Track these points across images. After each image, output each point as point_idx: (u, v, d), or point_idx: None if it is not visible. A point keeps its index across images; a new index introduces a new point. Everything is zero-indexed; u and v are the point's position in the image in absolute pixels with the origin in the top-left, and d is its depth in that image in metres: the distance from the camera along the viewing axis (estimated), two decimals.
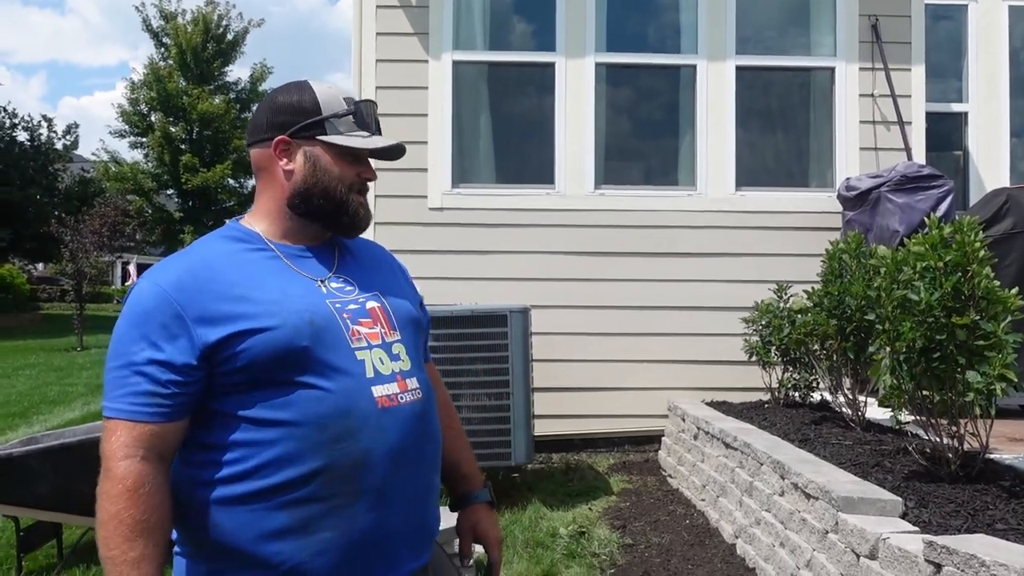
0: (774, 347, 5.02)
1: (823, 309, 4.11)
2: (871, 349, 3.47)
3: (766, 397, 5.49)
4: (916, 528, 2.80)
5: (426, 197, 6.07)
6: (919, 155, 6.11)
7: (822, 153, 6.38)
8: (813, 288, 4.43)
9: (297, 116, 1.61)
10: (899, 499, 2.98)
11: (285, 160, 1.61)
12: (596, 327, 6.04)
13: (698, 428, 5.09)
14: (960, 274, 3.12)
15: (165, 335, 1.44)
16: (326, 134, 1.61)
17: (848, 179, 5.84)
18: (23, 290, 25.06)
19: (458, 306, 5.09)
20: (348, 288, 1.61)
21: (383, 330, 1.59)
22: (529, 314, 5.04)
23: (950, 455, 3.35)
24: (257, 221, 1.64)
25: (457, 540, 1.85)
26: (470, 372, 4.85)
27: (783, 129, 6.58)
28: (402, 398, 1.55)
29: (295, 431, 1.44)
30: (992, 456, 3.72)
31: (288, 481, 1.43)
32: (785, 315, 4.65)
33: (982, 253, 3.15)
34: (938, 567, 2.42)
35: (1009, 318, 3.06)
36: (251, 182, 24.99)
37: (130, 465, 1.40)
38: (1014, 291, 3.19)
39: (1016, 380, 2.97)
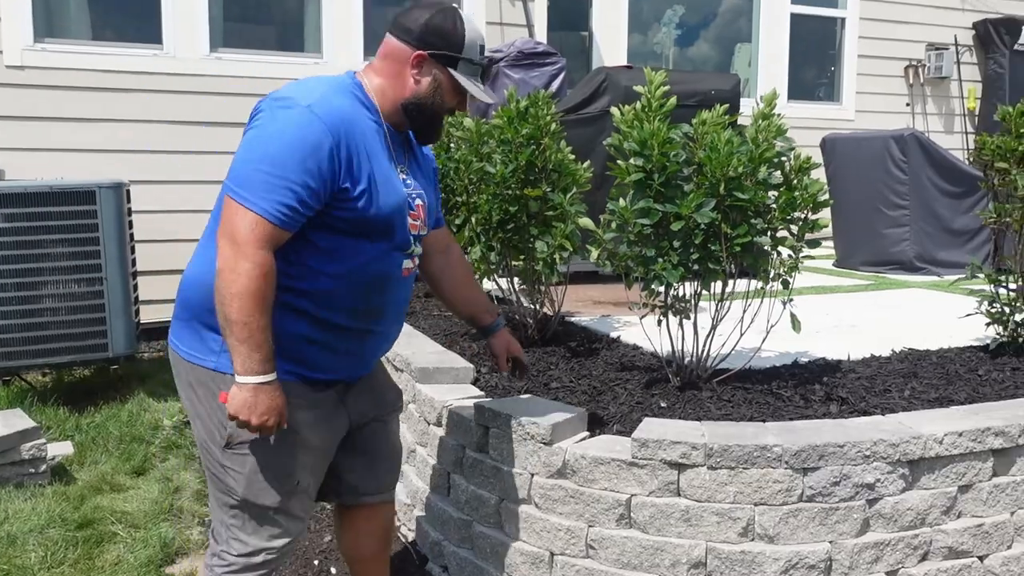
0: None
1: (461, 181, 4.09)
2: (457, 222, 3.51)
3: None
4: (482, 393, 2.92)
5: (1, 52, 5.15)
6: (541, 32, 6.29)
7: None
8: None
9: (444, 44, 1.93)
10: (471, 367, 3.09)
11: (417, 71, 1.94)
12: (209, 204, 5.61)
13: None
14: (534, 147, 3.21)
15: (320, 169, 1.77)
16: (457, 70, 1.95)
17: None
18: None
19: (37, 182, 4.43)
20: (409, 182, 2.02)
21: (420, 223, 2.04)
22: (125, 190, 4.53)
23: (529, 320, 3.54)
24: (376, 94, 1.96)
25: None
26: (54, 256, 4.28)
27: None
28: (409, 271, 2.05)
29: (351, 277, 1.90)
30: (572, 319, 4.02)
31: (335, 308, 1.92)
32: None
33: (554, 127, 3.25)
34: (486, 429, 2.53)
35: (575, 189, 3.23)
36: None
37: (266, 255, 1.75)
38: (585, 164, 3.37)
39: (574, 248, 3.16)
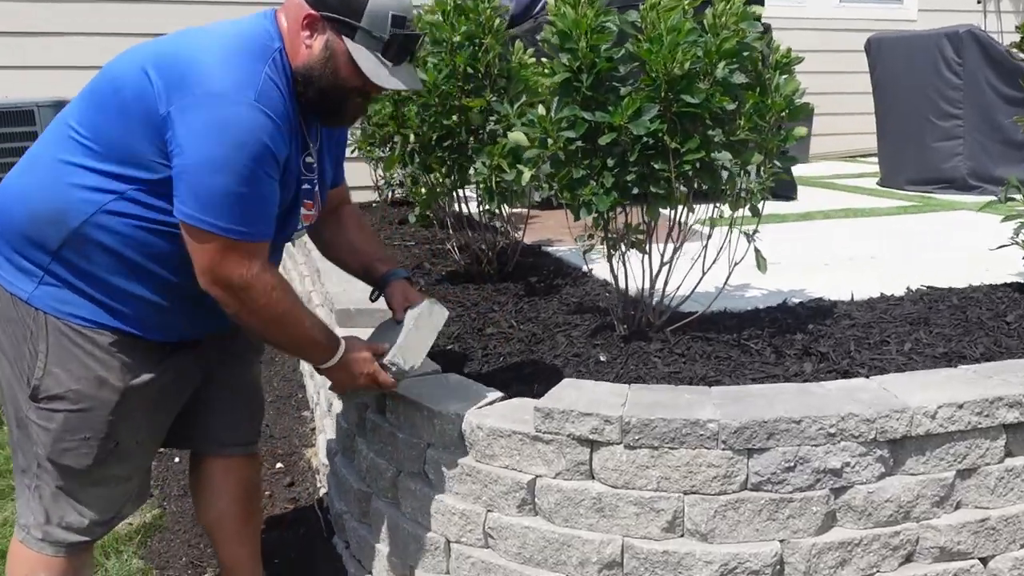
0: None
1: None
2: (384, 149, 3.03)
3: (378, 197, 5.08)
4: None
5: None
6: None
7: None
8: None
9: (341, 5, 1.59)
10: None
11: (308, 34, 1.61)
12: None
13: None
14: (474, 47, 2.70)
15: (277, 167, 1.56)
16: (354, 41, 1.60)
17: None
18: None
19: None
20: (314, 165, 1.77)
21: (310, 213, 1.80)
22: None
23: (483, 248, 3.08)
24: (289, 54, 1.63)
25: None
26: None
27: None
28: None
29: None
30: (548, 248, 3.54)
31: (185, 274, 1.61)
32: None
33: (497, 23, 2.73)
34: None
35: (524, 98, 2.71)
36: None
37: (267, 275, 1.60)
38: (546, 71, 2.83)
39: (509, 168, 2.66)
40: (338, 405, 2.55)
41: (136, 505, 1.89)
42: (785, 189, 4.71)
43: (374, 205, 4.95)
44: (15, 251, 1.64)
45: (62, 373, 1.64)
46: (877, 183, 5.65)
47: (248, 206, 1.53)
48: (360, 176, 5.29)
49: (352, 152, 4.72)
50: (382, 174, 4.75)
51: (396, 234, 3.90)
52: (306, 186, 1.74)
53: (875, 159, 5.96)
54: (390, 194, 4.88)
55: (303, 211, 1.77)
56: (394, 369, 1.86)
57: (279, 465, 2.88)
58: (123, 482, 1.78)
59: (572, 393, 1.86)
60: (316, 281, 3.40)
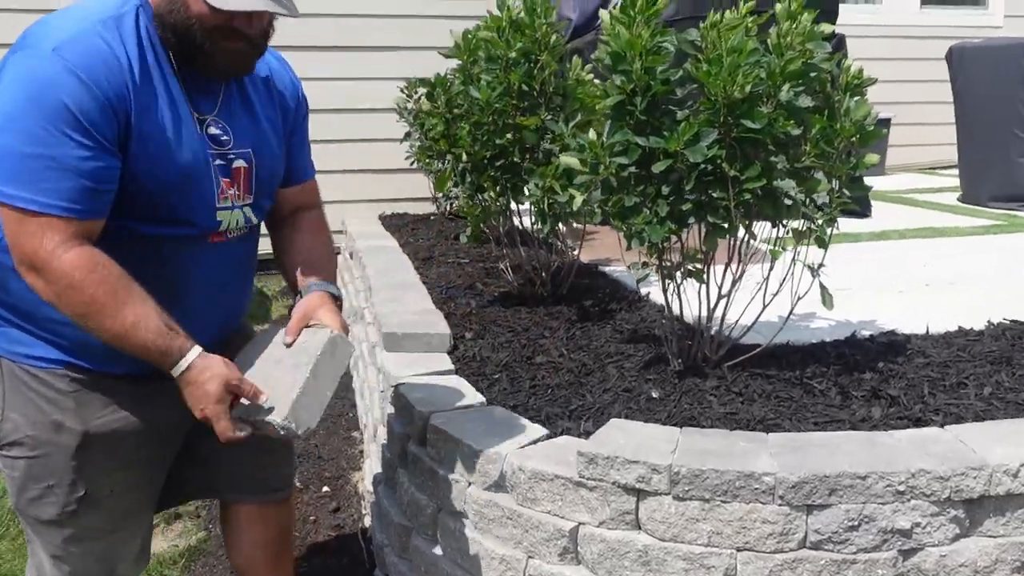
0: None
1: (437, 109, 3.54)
2: (442, 163, 2.97)
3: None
4: (451, 367, 2.41)
5: None
6: None
7: None
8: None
9: None
10: (447, 333, 2.58)
11: None
12: None
13: (353, 246, 4.59)
14: (529, 65, 2.61)
15: (83, 131, 1.34)
16: None
17: None
18: None
19: None
20: (224, 138, 1.53)
21: (238, 192, 1.56)
22: None
23: (543, 273, 2.99)
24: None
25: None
26: None
27: None
28: (230, 235, 1.57)
29: (125, 253, 1.41)
30: (606, 268, 3.44)
31: None
32: (413, 117, 4.09)
33: (554, 39, 2.64)
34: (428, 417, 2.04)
35: (580, 117, 2.61)
36: None
37: (76, 253, 1.36)
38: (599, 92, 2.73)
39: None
40: (383, 433, 2.49)
41: (137, 568, 1.74)
42: (859, 205, 4.50)
43: (432, 218, 4.90)
44: None
45: (19, 418, 1.53)
46: (958, 199, 5.38)
47: (37, 171, 1.32)
48: (419, 188, 5.28)
49: (411, 164, 4.71)
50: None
51: (450, 250, 3.84)
52: (219, 162, 1.52)
53: (955, 172, 5.68)
54: (448, 207, 4.83)
55: (228, 189, 1.54)
56: (283, 432, 1.49)
57: (325, 489, 2.84)
58: (106, 535, 1.63)
59: (618, 436, 1.76)
60: (368, 299, 3.36)
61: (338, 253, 5.31)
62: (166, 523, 2.54)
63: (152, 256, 1.48)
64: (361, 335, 3.44)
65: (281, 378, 1.50)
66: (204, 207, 1.50)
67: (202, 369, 1.43)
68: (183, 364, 1.42)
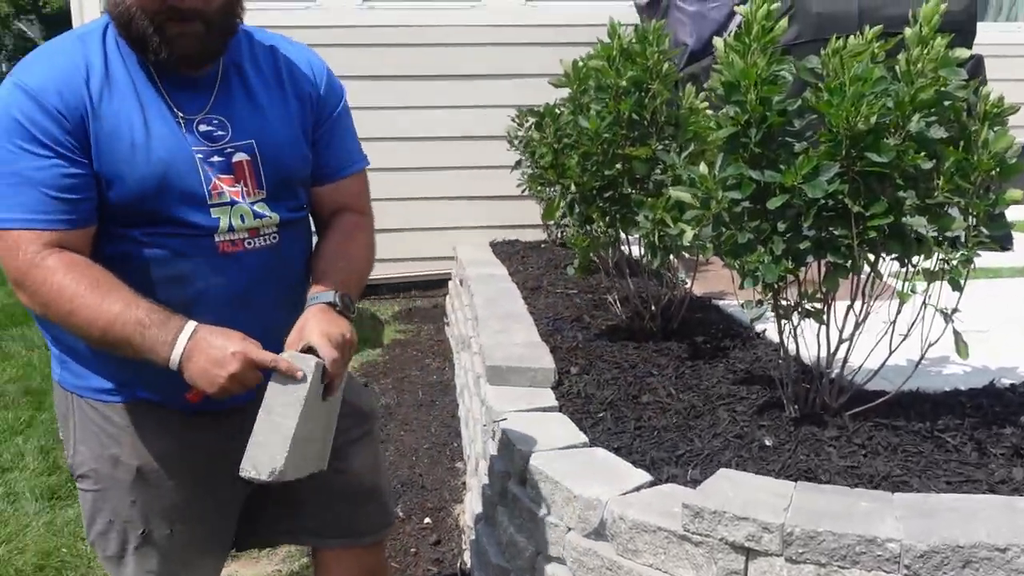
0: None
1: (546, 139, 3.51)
2: (552, 190, 2.92)
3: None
4: (555, 404, 2.35)
5: None
6: None
7: None
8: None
9: None
10: (552, 367, 2.52)
11: None
12: (370, 162, 5.37)
13: (463, 273, 4.60)
14: (640, 94, 2.54)
15: (38, 143, 1.34)
16: None
17: None
18: None
19: None
20: (219, 133, 1.45)
21: (245, 189, 1.47)
22: None
23: (653, 307, 2.90)
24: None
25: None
26: None
27: None
28: (249, 243, 1.48)
29: (133, 269, 1.40)
30: (719, 301, 3.31)
31: None
32: (523, 146, 4.07)
33: (666, 67, 2.56)
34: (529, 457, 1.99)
35: (693, 147, 2.52)
36: None
37: (50, 262, 1.35)
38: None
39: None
40: (484, 468, 2.45)
41: None
42: (1000, 237, 4.19)
43: (542, 246, 4.87)
44: (46, 329, 1.55)
45: (86, 451, 1.54)
46: None
47: (5, 189, 1.34)
48: (530, 215, 5.25)
49: (522, 191, 4.70)
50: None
51: (559, 280, 3.79)
52: (215, 158, 1.44)
53: None
54: (559, 235, 4.79)
55: (225, 188, 1.45)
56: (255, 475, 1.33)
57: (427, 520, 2.82)
58: None
59: (727, 488, 1.65)
60: (475, 328, 3.35)
61: (448, 279, 5.35)
62: (271, 547, 2.56)
63: (160, 269, 1.43)
64: (468, 364, 3.42)
65: (270, 436, 1.34)
66: (192, 206, 1.42)
67: (213, 328, 1.36)
68: (188, 327, 1.34)
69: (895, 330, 1.99)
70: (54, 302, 1.33)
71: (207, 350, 1.33)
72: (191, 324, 1.36)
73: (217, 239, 1.45)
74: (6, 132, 1.33)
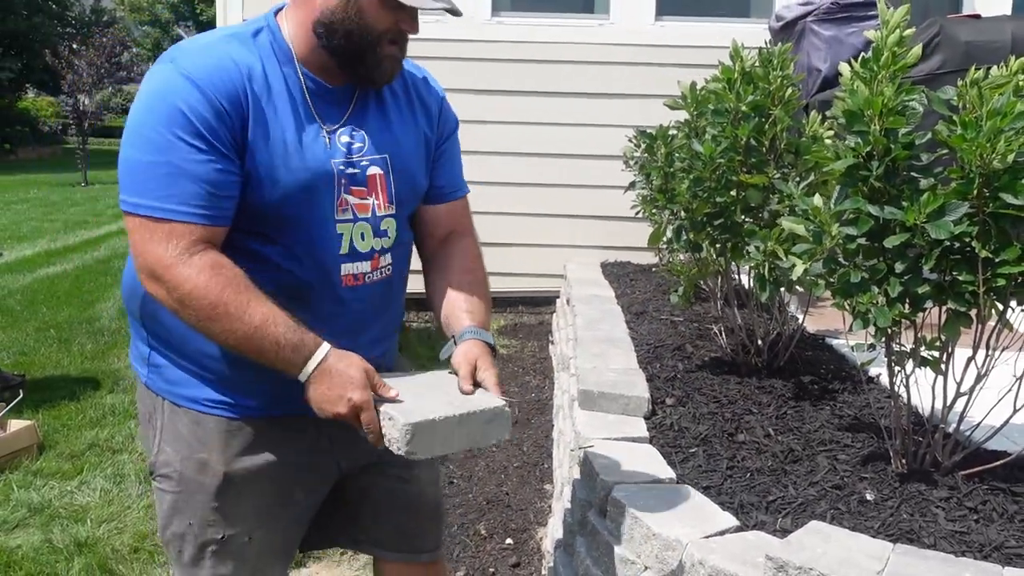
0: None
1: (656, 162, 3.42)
2: (663, 217, 2.84)
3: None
4: (645, 434, 2.28)
5: None
6: None
7: None
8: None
9: None
10: (646, 396, 2.45)
11: None
12: (485, 176, 5.39)
13: (570, 292, 4.56)
14: (759, 120, 2.44)
15: (199, 136, 1.34)
16: None
17: (778, 8, 4.96)
18: (50, 122, 24.83)
19: None
20: (357, 145, 1.48)
21: (377, 202, 1.50)
22: None
23: (759, 340, 2.77)
24: (292, 29, 1.44)
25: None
26: None
27: None
28: (369, 277, 1.50)
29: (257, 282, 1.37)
30: (833, 340, 3.14)
31: None
32: (639, 167, 3.98)
33: (789, 92, 2.45)
34: (611, 489, 1.92)
35: (812, 177, 2.40)
36: None
37: (198, 259, 1.34)
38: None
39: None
40: (567, 494, 2.39)
41: None
42: None
43: (653, 269, 4.77)
44: (135, 329, 1.59)
45: (172, 452, 1.52)
46: None
47: (158, 178, 1.31)
48: (643, 237, 5.15)
49: (636, 213, 4.62)
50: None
51: (665, 306, 3.69)
52: (351, 170, 1.45)
53: None
54: (670, 259, 4.67)
55: (352, 200, 1.46)
56: (387, 441, 1.35)
57: (509, 541, 2.77)
58: None
59: (818, 543, 1.54)
60: (574, 349, 3.29)
61: (557, 297, 5.31)
62: (335, 547, 2.57)
63: (288, 287, 1.42)
64: (566, 385, 3.37)
65: (423, 404, 1.37)
66: (322, 218, 1.44)
67: (341, 356, 1.36)
68: (320, 353, 1.35)
69: (1022, 386, 1.82)
70: (194, 302, 1.32)
71: (328, 381, 1.35)
72: (321, 351, 1.36)
73: (343, 272, 1.46)
74: (167, 120, 1.32)
